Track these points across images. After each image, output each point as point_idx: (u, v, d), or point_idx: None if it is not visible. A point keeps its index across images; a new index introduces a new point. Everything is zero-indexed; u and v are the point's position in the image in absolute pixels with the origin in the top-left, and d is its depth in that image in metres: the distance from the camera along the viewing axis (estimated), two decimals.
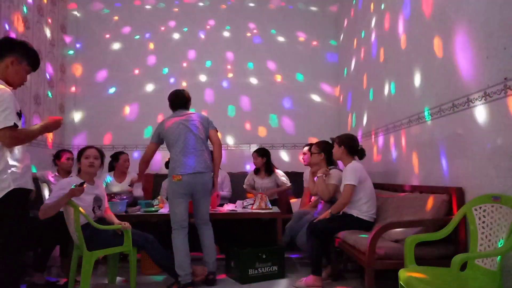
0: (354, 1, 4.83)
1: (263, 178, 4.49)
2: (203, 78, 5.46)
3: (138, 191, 4.07)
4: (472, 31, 2.33)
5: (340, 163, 3.50)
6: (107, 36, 5.45)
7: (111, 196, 3.58)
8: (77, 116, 5.33)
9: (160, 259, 2.98)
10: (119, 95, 5.36)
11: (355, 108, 4.76)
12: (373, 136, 4.14)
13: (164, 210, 3.55)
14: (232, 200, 4.32)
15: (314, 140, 4.57)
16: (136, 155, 5.18)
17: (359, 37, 4.56)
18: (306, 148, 4.11)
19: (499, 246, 1.94)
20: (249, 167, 5.28)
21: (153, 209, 3.56)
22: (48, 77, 4.77)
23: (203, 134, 3.17)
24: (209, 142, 3.26)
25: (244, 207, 3.75)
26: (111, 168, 4.09)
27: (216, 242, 3.26)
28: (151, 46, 5.47)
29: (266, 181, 4.45)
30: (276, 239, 3.51)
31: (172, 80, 5.41)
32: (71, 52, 5.35)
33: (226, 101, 5.43)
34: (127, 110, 5.35)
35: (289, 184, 4.47)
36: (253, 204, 3.72)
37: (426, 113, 2.91)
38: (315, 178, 3.45)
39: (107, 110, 5.31)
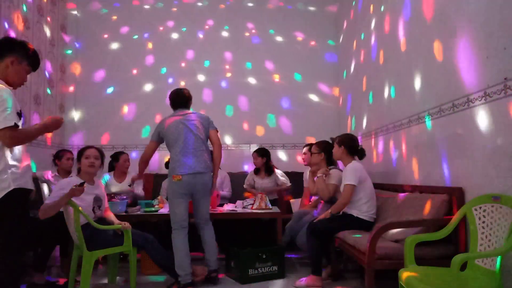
0: (353, 2, 4.82)
1: (263, 178, 4.49)
2: (201, 78, 5.45)
3: (139, 189, 4.06)
4: (472, 31, 2.33)
5: (340, 163, 3.50)
6: (106, 36, 5.44)
7: (111, 196, 3.58)
8: (76, 115, 5.33)
9: (160, 259, 2.98)
10: (118, 95, 5.36)
11: (355, 110, 4.75)
12: (373, 137, 4.14)
13: (164, 210, 3.55)
14: (232, 200, 4.32)
15: (312, 140, 4.57)
16: (134, 155, 5.17)
17: (359, 38, 4.56)
18: (306, 148, 4.11)
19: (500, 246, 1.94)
20: (247, 168, 5.29)
21: (153, 209, 3.56)
22: (48, 76, 4.76)
23: (203, 134, 3.16)
24: (209, 142, 3.25)
25: (244, 207, 3.75)
26: (111, 168, 4.08)
27: (216, 242, 3.25)
28: (150, 46, 5.47)
29: (266, 181, 4.46)
30: (276, 239, 3.51)
31: (170, 80, 5.40)
32: (70, 51, 5.34)
33: (224, 101, 5.43)
34: (126, 109, 5.35)
35: (289, 184, 4.47)
36: (253, 204, 3.72)
37: (426, 113, 2.91)
38: (315, 178, 3.46)
39: (105, 110, 5.31)
